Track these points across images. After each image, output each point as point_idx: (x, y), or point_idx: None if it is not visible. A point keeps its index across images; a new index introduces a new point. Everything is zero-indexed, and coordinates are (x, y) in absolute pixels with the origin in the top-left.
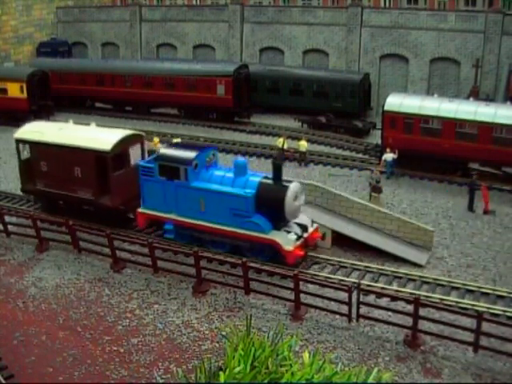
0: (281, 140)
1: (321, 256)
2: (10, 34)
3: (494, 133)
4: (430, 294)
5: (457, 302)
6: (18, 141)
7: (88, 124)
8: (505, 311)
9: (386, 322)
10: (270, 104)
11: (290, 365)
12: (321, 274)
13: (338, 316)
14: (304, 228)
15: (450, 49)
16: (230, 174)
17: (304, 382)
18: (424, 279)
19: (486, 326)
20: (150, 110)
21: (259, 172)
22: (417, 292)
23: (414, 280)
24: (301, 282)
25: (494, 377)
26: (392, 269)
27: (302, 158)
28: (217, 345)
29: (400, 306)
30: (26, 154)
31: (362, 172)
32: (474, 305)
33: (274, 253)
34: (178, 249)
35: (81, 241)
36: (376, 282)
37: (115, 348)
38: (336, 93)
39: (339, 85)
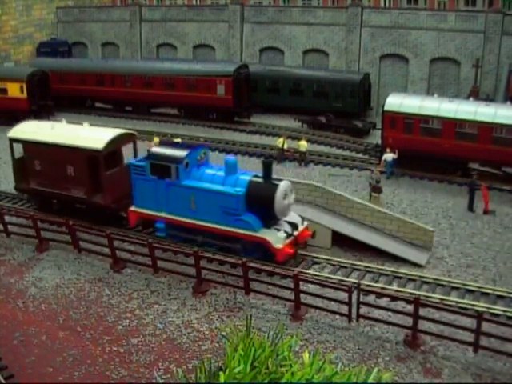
0: (281, 140)
1: (321, 256)
2: (10, 34)
3: (494, 133)
4: (430, 294)
5: (457, 302)
6: (12, 140)
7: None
8: (505, 311)
9: (386, 322)
10: (270, 104)
11: (290, 365)
12: (321, 274)
13: (338, 316)
14: (294, 226)
15: (449, 49)
16: (221, 173)
17: (304, 381)
18: (424, 279)
19: (486, 326)
20: (149, 110)
21: (250, 171)
22: (417, 292)
23: (414, 280)
24: (301, 282)
25: (494, 377)
26: (392, 269)
27: (302, 158)
28: (217, 345)
29: (400, 306)
30: (19, 152)
31: (362, 172)
32: (474, 305)
33: (264, 251)
34: (178, 249)
35: (81, 241)
36: (376, 282)
37: (115, 348)
38: (336, 93)
39: (339, 85)
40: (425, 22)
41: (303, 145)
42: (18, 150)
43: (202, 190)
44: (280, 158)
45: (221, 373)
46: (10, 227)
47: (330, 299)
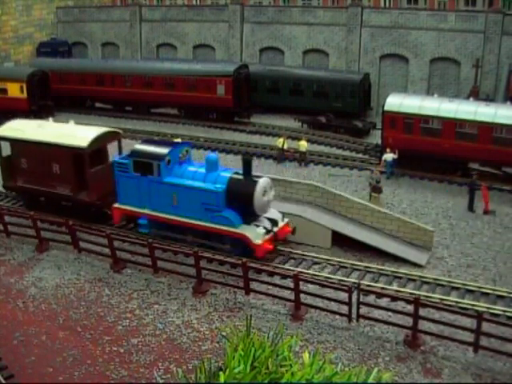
0: (281, 140)
1: (321, 256)
2: (10, 34)
3: (494, 133)
4: (430, 294)
5: (457, 302)
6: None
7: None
8: (505, 311)
9: (386, 322)
10: (270, 104)
11: (290, 365)
12: (321, 274)
13: (338, 316)
14: (274, 222)
15: (449, 49)
16: (202, 170)
17: (304, 382)
18: (424, 279)
19: (486, 326)
20: (149, 110)
21: (231, 168)
22: (417, 292)
23: (414, 280)
24: (301, 282)
25: (494, 377)
26: (392, 269)
27: (302, 158)
28: (217, 345)
29: (400, 306)
30: (7, 151)
31: (362, 172)
32: (474, 305)
33: (243, 247)
34: (177, 249)
35: (81, 241)
36: (376, 282)
37: (115, 348)
38: (336, 93)
39: (339, 85)
40: (425, 22)
41: (303, 145)
42: (6, 148)
43: (184, 187)
44: (280, 158)
45: (221, 373)
46: (9, 227)
47: (330, 299)
